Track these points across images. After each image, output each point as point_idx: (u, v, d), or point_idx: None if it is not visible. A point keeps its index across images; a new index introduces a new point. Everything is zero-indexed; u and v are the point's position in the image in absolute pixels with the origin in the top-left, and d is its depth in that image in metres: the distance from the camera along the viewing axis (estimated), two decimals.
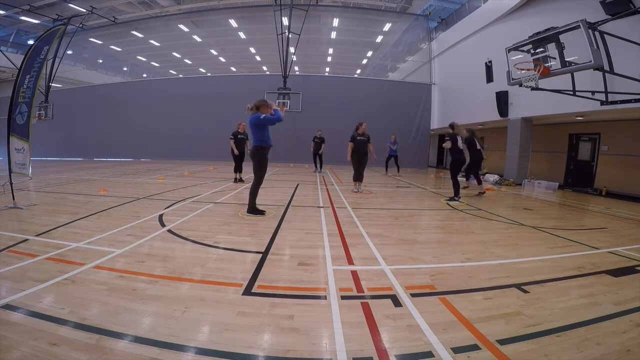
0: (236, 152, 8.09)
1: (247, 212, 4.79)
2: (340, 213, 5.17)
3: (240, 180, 8.51)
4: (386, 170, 12.59)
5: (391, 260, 3.08)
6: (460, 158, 6.73)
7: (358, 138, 7.17)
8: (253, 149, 4.60)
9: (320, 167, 12.31)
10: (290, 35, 14.39)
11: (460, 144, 6.58)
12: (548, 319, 2.07)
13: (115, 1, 16.21)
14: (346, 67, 24.58)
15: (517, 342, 1.80)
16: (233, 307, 2.13)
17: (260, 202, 5.91)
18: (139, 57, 22.66)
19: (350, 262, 3.03)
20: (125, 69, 22.96)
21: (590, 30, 5.87)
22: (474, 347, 1.75)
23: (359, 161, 7.28)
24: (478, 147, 7.59)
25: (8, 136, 4.90)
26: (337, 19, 17.38)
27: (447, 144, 6.55)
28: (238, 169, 8.45)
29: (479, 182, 7.99)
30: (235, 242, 3.56)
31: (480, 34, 12.74)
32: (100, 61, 22.24)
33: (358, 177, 7.44)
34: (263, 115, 4.46)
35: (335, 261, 3.02)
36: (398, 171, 12.66)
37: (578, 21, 5.84)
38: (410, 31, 17.64)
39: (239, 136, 8.19)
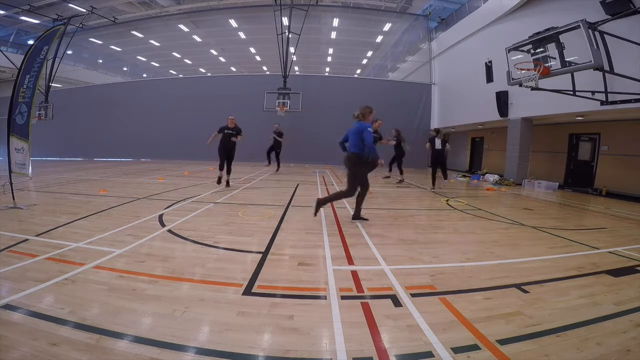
0: (209, 142, 7.19)
1: (352, 219, 4.60)
2: (340, 213, 5.17)
3: (227, 184, 7.53)
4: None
5: (391, 260, 3.08)
6: (434, 155, 8.10)
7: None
8: (350, 155, 4.36)
9: (278, 167, 11.74)
10: (290, 35, 14.39)
11: (437, 144, 7.93)
12: (548, 319, 2.07)
13: (115, 1, 16.21)
14: (346, 67, 24.58)
15: (517, 342, 1.80)
16: (233, 307, 2.13)
17: (260, 202, 5.92)
18: (139, 57, 22.67)
19: (350, 262, 3.03)
20: (125, 69, 22.97)
21: (590, 30, 5.87)
22: (474, 347, 1.75)
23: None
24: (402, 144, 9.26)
25: (8, 136, 4.90)
26: (337, 19, 17.38)
27: (427, 145, 8.05)
28: (222, 167, 7.32)
29: (401, 172, 9.78)
30: (235, 242, 3.56)
31: (480, 34, 12.74)
32: (100, 61, 22.26)
33: None
34: (370, 129, 4.23)
35: (335, 261, 3.02)
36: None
37: (578, 21, 5.84)
38: (410, 31, 17.65)
39: (225, 131, 7.14)
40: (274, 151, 11.30)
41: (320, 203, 4.55)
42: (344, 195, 4.45)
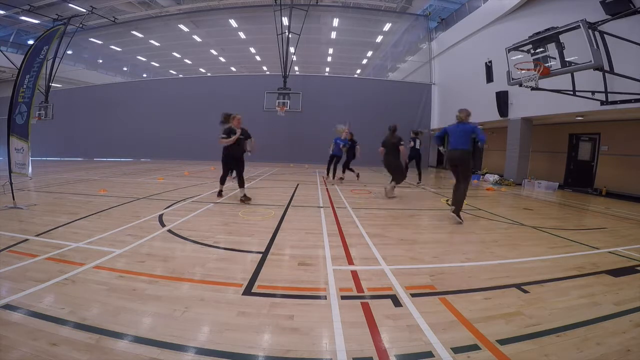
0: (232, 140, 5.51)
1: (456, 214, 4.76)
2: (340, 213, 5.17)
3: (244, 198, 5.79)
4: (329, 174, 9.49)
5: (391, 260, 3.08)
6: (411, 153, 8.96)
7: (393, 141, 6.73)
8: (464, 151, 4.70)
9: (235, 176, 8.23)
10: (290, 35, 14.39)
11: (417, 144, 8.99)
12: (548, 319, 2.07)
13: (115, 1, 16.21)
14: (346, 67, 24.59)
15: (517, 342, 1.80)
16: (233, 307, 2.13)
17: (260, 202, 5.92)
18: (139, 57, 22.67)
19: (350, 262, 3.03)
20: (125, 69, 22.97)
21: (590, 30, 5.86)
22: (474, 347, 1.75)
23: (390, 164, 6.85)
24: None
25: (8, 136, 4.90)
26: (337, 19, 17.38)
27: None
28: (224, 180, 6.08)
29: (352, 171, 9.82)
30: (235, 242, 3.56)
31: (480, 34, 12.74)
32: (100, 61, 22.26)
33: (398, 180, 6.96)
34: (481, 128, 4.74)
35: (335, 261, 3.02)
36: (332, 176, 9.43)
37: (578, 21, 5.84)
38: (410, 31, 17.66)
39: (232, 135, 5.71)
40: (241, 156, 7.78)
41: (458, 210, 4.79)
42: (466, 188, 4.79)
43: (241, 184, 5.92)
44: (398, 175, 6.85)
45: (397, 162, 6.71)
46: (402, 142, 6.67)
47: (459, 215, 4.75)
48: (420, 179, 9.39)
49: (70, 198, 5.85)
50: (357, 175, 9.86)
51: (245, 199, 5.81)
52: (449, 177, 13.19)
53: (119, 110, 17.65)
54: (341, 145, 9.17)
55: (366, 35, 18.86)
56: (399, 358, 1.67)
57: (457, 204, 4.78)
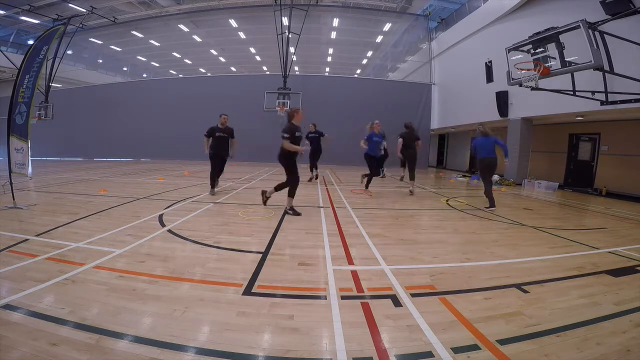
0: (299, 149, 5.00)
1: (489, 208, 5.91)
2: (340, 213, 5.17)
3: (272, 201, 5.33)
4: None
5: (391, 260, 3.08)
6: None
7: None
8: (493, 159, 5.91)
9: (215, 182, 7.03)
10: (290, 35, 14.39)
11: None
12: (548, 319, 2.07)
13: (115, 1, 16.22)
14: (346, 67, 24.58)
15: (517, 342, 1.80)
16: (233, 307, 2.13)
17: (260, 201, 5.93)
18: (139, 57, 22.67)
19: (350, 262, 3.03)
20: (125, 69, 22.97)
21: (590, 30, 5.87)
22: (474, 347, 1.75)
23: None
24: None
25: (8, 136, 4.90)
26: (337, 19, 17.38)
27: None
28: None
29: (311, 170, 9.55)
30: (235, 242, 3.56)
31: (480, 34, 12.74)
32: (100, 61, 22.26)
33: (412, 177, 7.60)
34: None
35: (335, 261, 3.02)
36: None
37: (578, 21, 5.84)
38: (410, 31, 17.65)
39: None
40: (219, 159, 6.71)
41: (490, 197, 6.01)
42: (492, 187, 6.19)
43: (217, 177, 6.84)
44: (414, 168, 7.59)
45: (416, 155, 7.42)
46: (419, 138, 7.49)
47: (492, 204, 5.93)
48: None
49: (70, 198, 5.85)
50: (310, 180, 9.31)
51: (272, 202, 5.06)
52: (447, 177, 13.20)
53: (119, 110, 17.64)
54: (380, 143, 7.15)
55: (366, 35, 18.85)
56: (399, 358, 1.67)
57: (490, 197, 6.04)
